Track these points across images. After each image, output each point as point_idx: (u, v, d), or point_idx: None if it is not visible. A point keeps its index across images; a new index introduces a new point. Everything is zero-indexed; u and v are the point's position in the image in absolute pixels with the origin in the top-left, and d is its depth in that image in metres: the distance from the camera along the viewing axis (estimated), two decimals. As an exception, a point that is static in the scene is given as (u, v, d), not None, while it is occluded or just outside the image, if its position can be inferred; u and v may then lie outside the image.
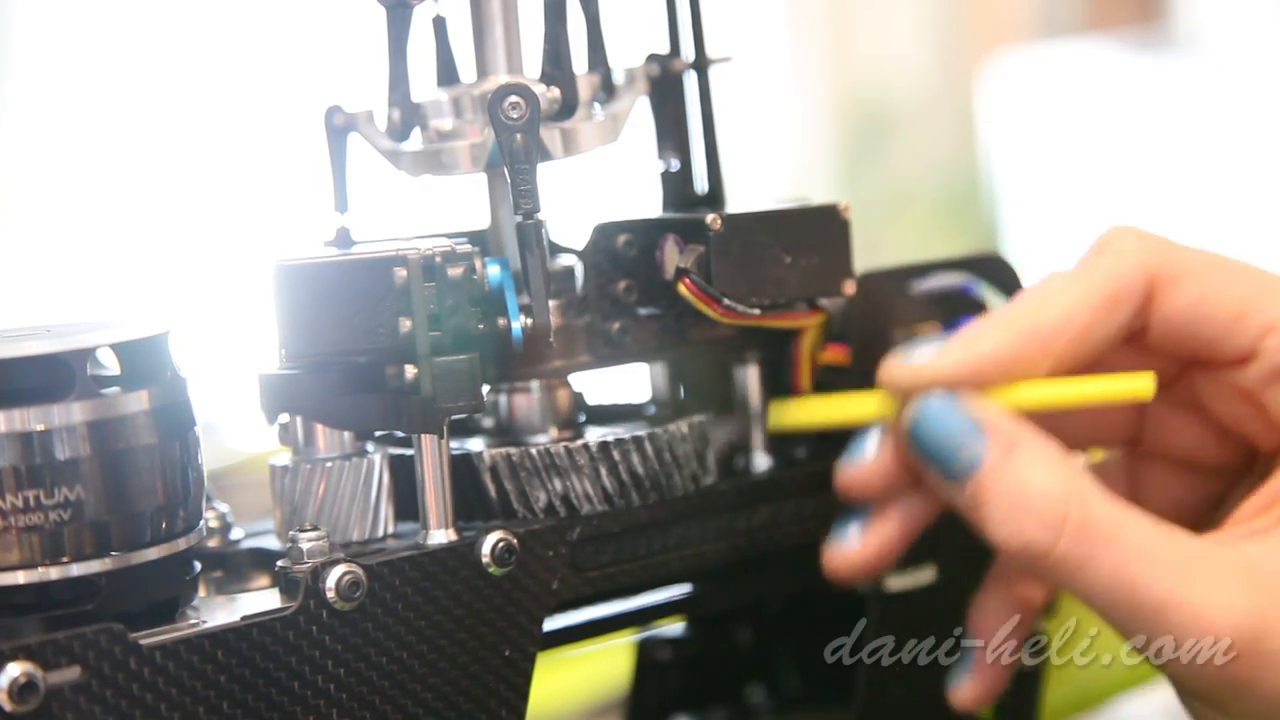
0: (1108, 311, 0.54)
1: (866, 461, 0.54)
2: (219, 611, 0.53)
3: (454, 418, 0.55)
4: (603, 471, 0.58)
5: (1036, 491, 0.50)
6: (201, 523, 0.54)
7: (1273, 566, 0.50)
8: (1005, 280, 0.66)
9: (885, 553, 0.55)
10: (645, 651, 0.73)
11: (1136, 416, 0.58)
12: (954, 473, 0.52)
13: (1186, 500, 0.57)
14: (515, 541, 0.55)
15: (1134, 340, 0.55)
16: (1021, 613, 0.57)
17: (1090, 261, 0.55)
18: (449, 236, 0.57)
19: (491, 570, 0.55)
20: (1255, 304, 0.53)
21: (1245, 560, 0.51)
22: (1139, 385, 0.53)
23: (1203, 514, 0.57)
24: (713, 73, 0.64)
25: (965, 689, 0.57)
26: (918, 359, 0.53)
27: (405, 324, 0.55)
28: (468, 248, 0.56)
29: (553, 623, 0.59)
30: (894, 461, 0.54)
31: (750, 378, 0.63)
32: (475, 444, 0.61)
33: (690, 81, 0.64)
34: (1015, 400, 0.53)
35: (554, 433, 0.61)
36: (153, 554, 0.52)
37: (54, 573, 0.50)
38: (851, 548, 0.55)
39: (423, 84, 0.63)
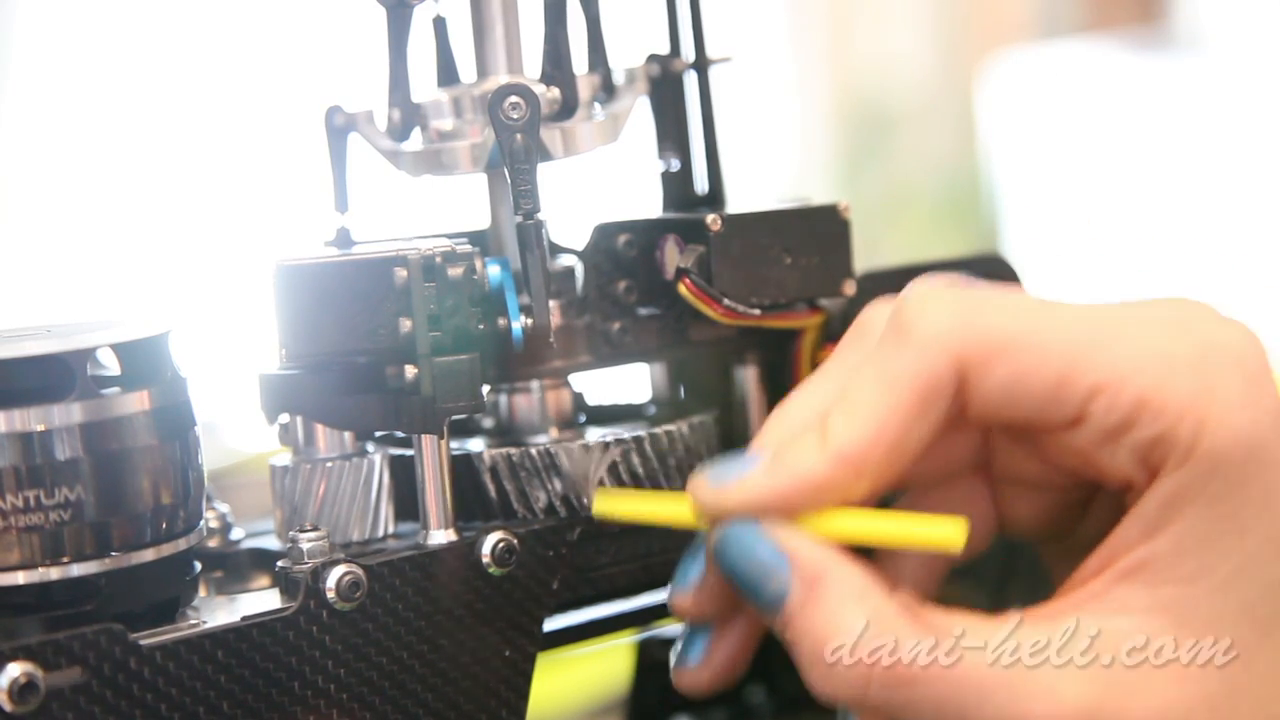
0: (919, 417, 0.49)
1: (691, 588, 0.52)
2: (219, 611, 0.53)
3: (454, 418, 0.55)
4: (603, 472, 0.58)
5: (841, 641, 0.48)
6: (201, 523, 0.54)
7: (1106, 644, 0.48)
8: (1005, 280, 0.66)
9: (728, 670, 0.53)
10: (645, 651, 0.73)
11: (982, 447, 0.54)
12: (763, 603, 0.49)
13: (1052, 509, 0.54)
14: (515, 541, 0.55)
15: (957, 419, 0.51)
16: None
17: (892, 358, 0.49)
18: (449, 236, 0.57)
19: (491, 570, 0.55)
20: (1075, 370, 0.48)
21: (1079, 643, 0.48)
22: (948, 535, 0.49)
23: (1072, 516, 0.54)
24: (713, 73, 0.64)
25: (696, 671, 0.53)
26: (725, 480, 0.50)
27: (405, 324, 0.55)
28: (468, 248, 0.56)
29: (553, 623, 0.59)
30: (719, 584, 0.51)
31: (750, 378, 0.63)
32: (475, 444, 0.61)
33: (690, 81, 0.64)
34: (823, 530, 0.49)
35: (554, 433, 0.61)
36: (153, 554, 0.52)
37: (54, 573, 0.50)
38: (692, 668, 0.53)
39: (423, 84, 0.63)
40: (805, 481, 0.49)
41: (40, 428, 0.50)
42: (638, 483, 0.58)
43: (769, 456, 0.49)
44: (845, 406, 0.49)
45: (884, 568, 0.52)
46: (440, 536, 0.55)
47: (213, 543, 0.60)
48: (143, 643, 0.50)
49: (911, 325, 0.49)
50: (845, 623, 0.48)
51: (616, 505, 0.53)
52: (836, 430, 0.49)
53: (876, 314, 0.52)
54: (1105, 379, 0.48)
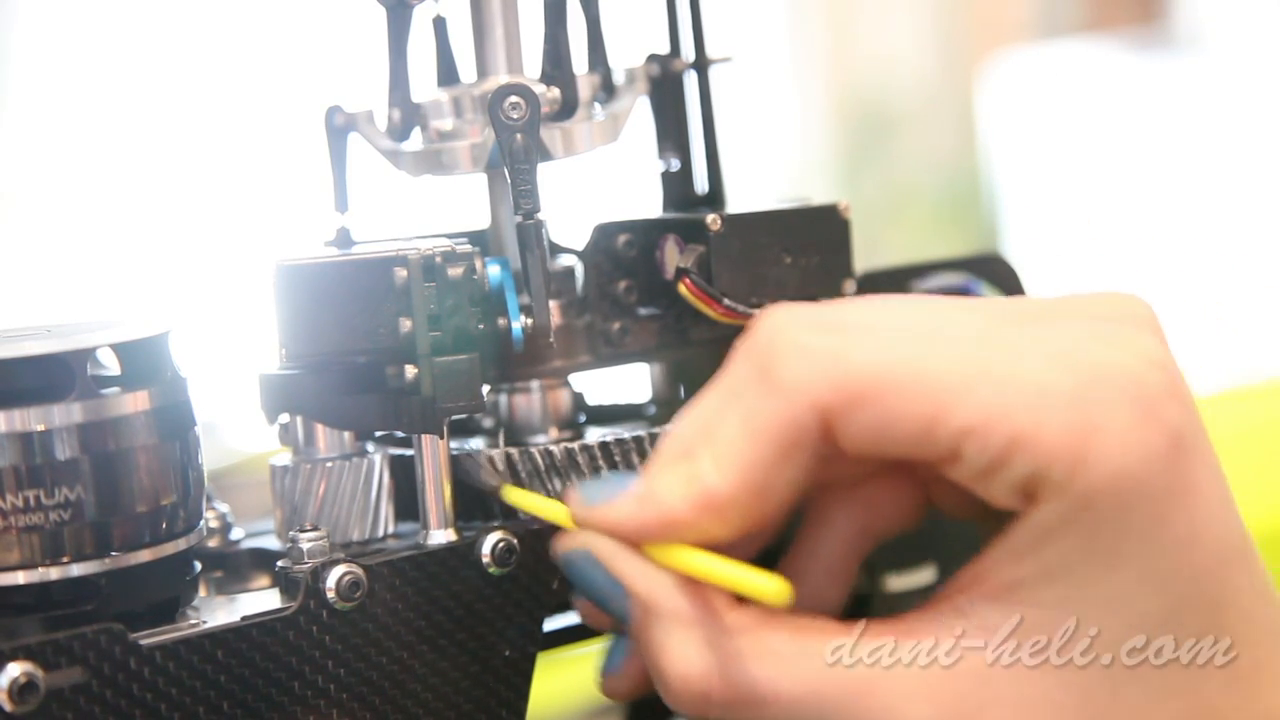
0: (783, 463, 0.48)
1: (619, 674, 0.53)
2: (219, 611, 0.53)
3: (454, 418, 0.55)
4: (603, 471, 0.58)
5: (675, 671, 0.49)
6: (201, 523, 0.54)
7: (953, 667, 0.48)
8: (1005, 280, 0.66)
9: (645, 679, 0.52)
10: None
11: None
12: (615, 620, 0.51)
13: (971, 501, 0.52)
14: (515, 541, 0.55)
15: (829, 456, 0.50)
16: None
17: (756, 406, 0.48)
18: (449, 236, 0.57)
19: (491, 570, 0.55)
20: (944, 411, 0.47)
21: (928, 667, 0.48)
22: (771, 591, 0.48)
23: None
24: (713, 73, 0.64)
25: (616, 680, 0.53)
26: (595, 501, 0.50)
27: (405, 324, 0.55)
28: (468, 248, 0.56)
29: (553, 623, 0.59)
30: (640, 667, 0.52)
31: (750, 378, 0.63)
32: (475, 444, 0.61)
33: (690, 81, 0.64)
34: (669, 561, 0.50)
35: (554, 433, 0.61)
36: (153, 554, 0.52)
37: (54, 573, 0.50)
38: (613, 676, 0.53)
39: (423, 84, 0.63)
40: (667, 520, 0.49)
41: (40, 428, 0.50)
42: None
43: (640, 489, 0.50)
44: (712, 450, 0.49)
45: (805, 543, 0.53)
46: (440, 536, 0.55)
47: (213, 543, 0.60)
48: (143, 643, 0.50)
49: (775, 372, 0.49)
50: (680, 652, 0.49)
51: (515, 498, 0.55)
52: (702, 473, 0.49)
53: (765, 324, 0.51)
54: (975, 420, 0.47)
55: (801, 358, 0.48)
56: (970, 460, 0.47)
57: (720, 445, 0.49)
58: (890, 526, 0.54)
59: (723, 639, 0.49)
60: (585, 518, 0.51)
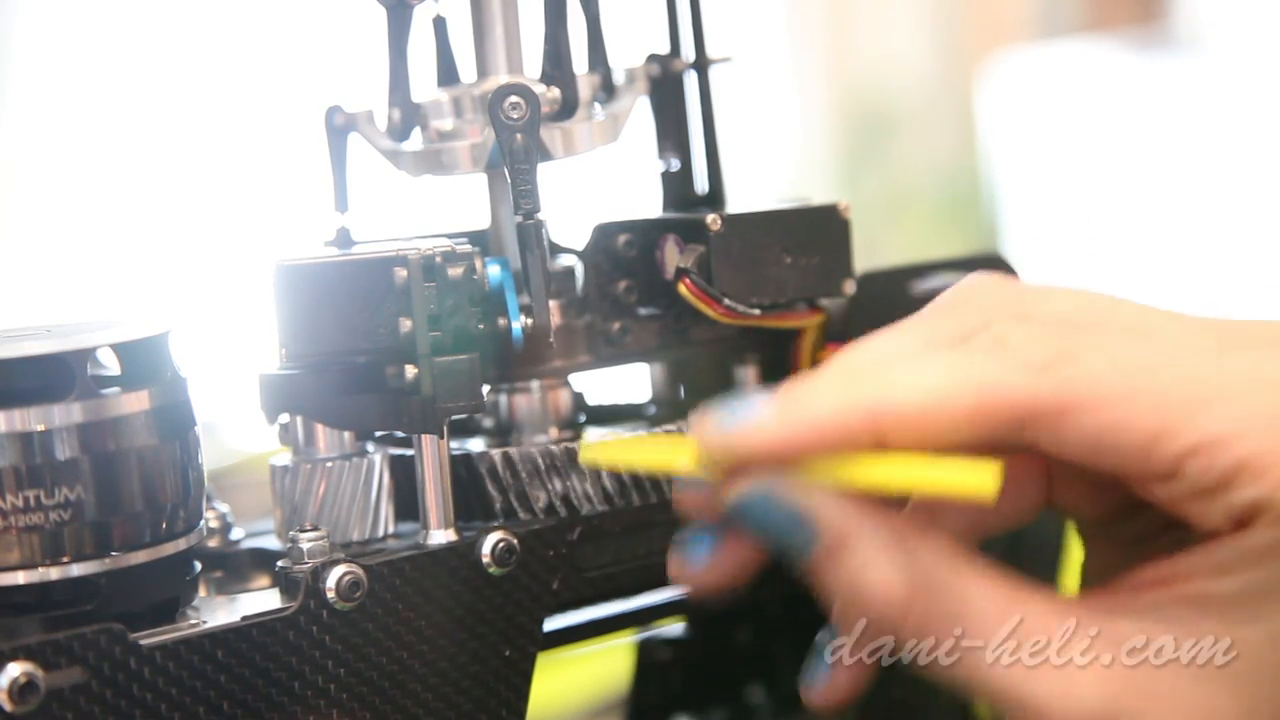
0: (970, 427, 0.46)
1: (704, 567, 0.50)
2: (219, 611, 0.53)
3: (454, 418, 0.55)
4: (603, 471, 0.58)
5: (871, 590, 0.47)
6: (201, 523, 0.54)
7: (1137, 649, 0.47)
8: (1005, 280, 0.66)
9: (734, 574, 0.50)
10: (645, 651, 0.73)
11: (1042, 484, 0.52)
12: (789, 554, 0.48)
13: (1108, 504, 0.52)
14: (515, 541, 0.55)
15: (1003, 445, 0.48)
16: None
17: (979, 363, 0.46)
18: (449, 236, 0.57)
19: (491, 570, 0.55)
20: (1173, 428, 0.46)
21: (1109, 639, 0.47)
22: (981, 481, 0.46)
23: (1127, 512, 0.52)
24: (713, 73, 0.64)
25: (824, 688, 0.52)
26: (735, 427, 0.47)
27: (405, 324, 0.55)
28: (468, 248, 0.56)
29: (553, 623, 0.59)
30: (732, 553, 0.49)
31: (750, 378, 0.63)
32: (475, 444, 0.61)
33: (690, 81, 0.64)
34: (844, 477, 0.47)
35: (554, 433, 0.61)
36: (153, 554, 0.52)
37: (54, 573, 0.50)
38: (700, 569, 0.50)
39: (423, 84, 0.63)
40: (824, 430, 0.46)
41: (40, 428, 0.50)
42: (638, 483, 0.58)
43: (787, 400, 0.47)
44: (902, 370, 0.46)
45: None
46: (440, 536, 0.55)
47: (213, 543, 0.60)
48: (143, 643, 0.50)
49: (1013, 345, 0.47)
50: (878, 573, 0.47)
51: (605, 452, 0.52)
52: (878, 383, 0.46)
53: (984, 289, 0.49)
54: (1204, 440, 0.46)
55: (1042, 345, 0.46)
56: (1190, 480, 0.46)
57: (913, 371, 0.46)
58: (1006, 524, 0.52)
59: (918, 564, 0.47)
60: (728, 449, 0.47)
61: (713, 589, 0.50)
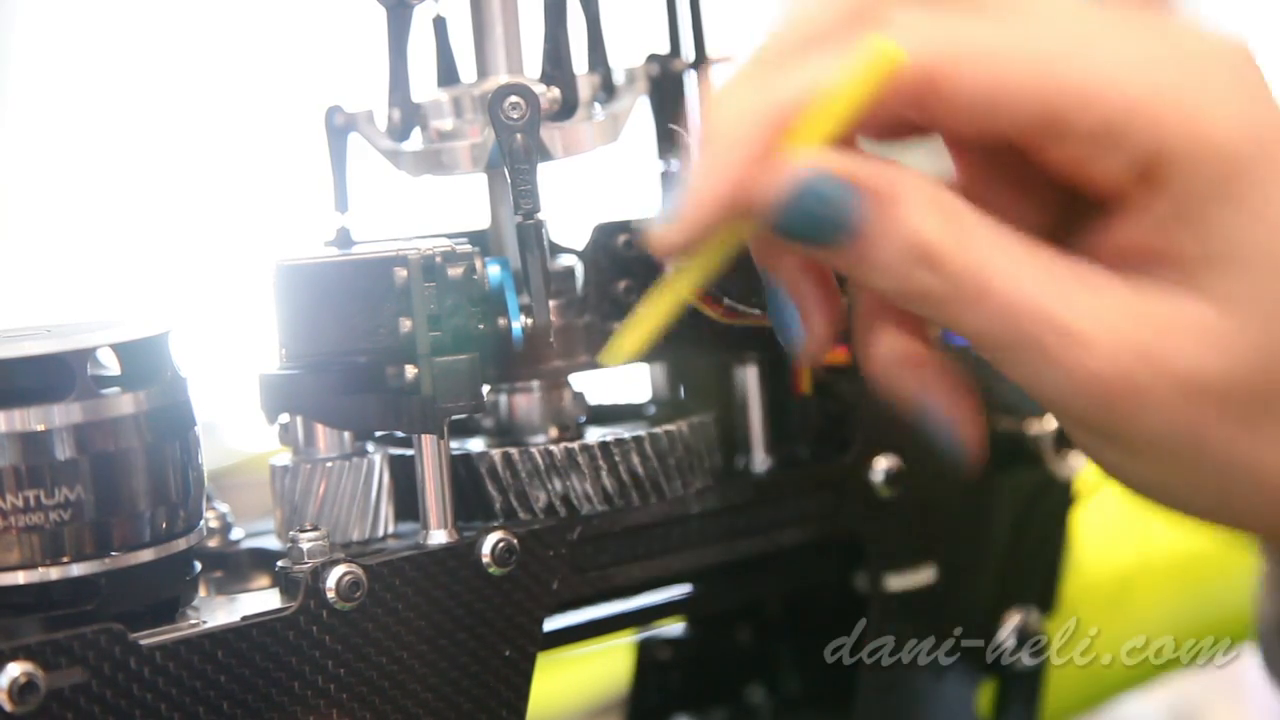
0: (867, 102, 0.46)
1: (798, 328, 0.50)
2: (219, 611, 0.53)
3: (454, 418, 0.55)
4: (603, 471, 0.58)
5: (924, 240, 0.47)
6: (201, 523, 0.54)
7: (1151, 302, 0.47)
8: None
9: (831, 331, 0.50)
10: (645, 651, 0.73)
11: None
12: (833, 241, 0.47)
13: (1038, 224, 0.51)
14: (515, 541, 0.55)
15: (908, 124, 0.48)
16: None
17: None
18: (449, 236, 0.57)
19: (491, 570, 0.55)
20: (1056, 79, 0.46)
21: (1127, 294, 0.47)
22: (884, 54, 0.45)
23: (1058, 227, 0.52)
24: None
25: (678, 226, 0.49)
26: (682, 207, 0.46)
27: (405, 324, 0.55)
28: (468, 248, 0.56)
29: (553, 623, 0.59)
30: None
31: (750, 378, 0.63)
32: (475, 444, 0.61)
33: (690, 81, 0.64)
34: (819, 132, 0.46)
35: (554, 433, 0.61)
36: (153, 554, 0.52)
37: (54, 573, 0.50)
38: (798, 334, 0.50)
39: (423, 84, 0.63)
40: (743, 164, 0.46)
41: (40, 428, 0.50)
42: (637, 483, 0.58)
43: (701, 154, 0.47)
44: (800, 72, 0.47)
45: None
46: (440, 536, 0.55)
47: (213, 543, 0.60)
48: (143, 643, 0.50)
49: (897, 24, 0.47)
50: (930, 224, 0.47)
51: (626, 342, 0.50)
52: (785, 91, 0.47)
53: None
54: (1093, 86, 0.46)
55: (914, 18, 0.47)
56: (1085, 130, 0.46)
57: (808, 68, 0.47)
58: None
59: (962, 213, 0.47)
60: (689, 223, 0.47)
61: (822, 346, 0.51)
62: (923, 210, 0.47)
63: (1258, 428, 0.47)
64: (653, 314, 0.50)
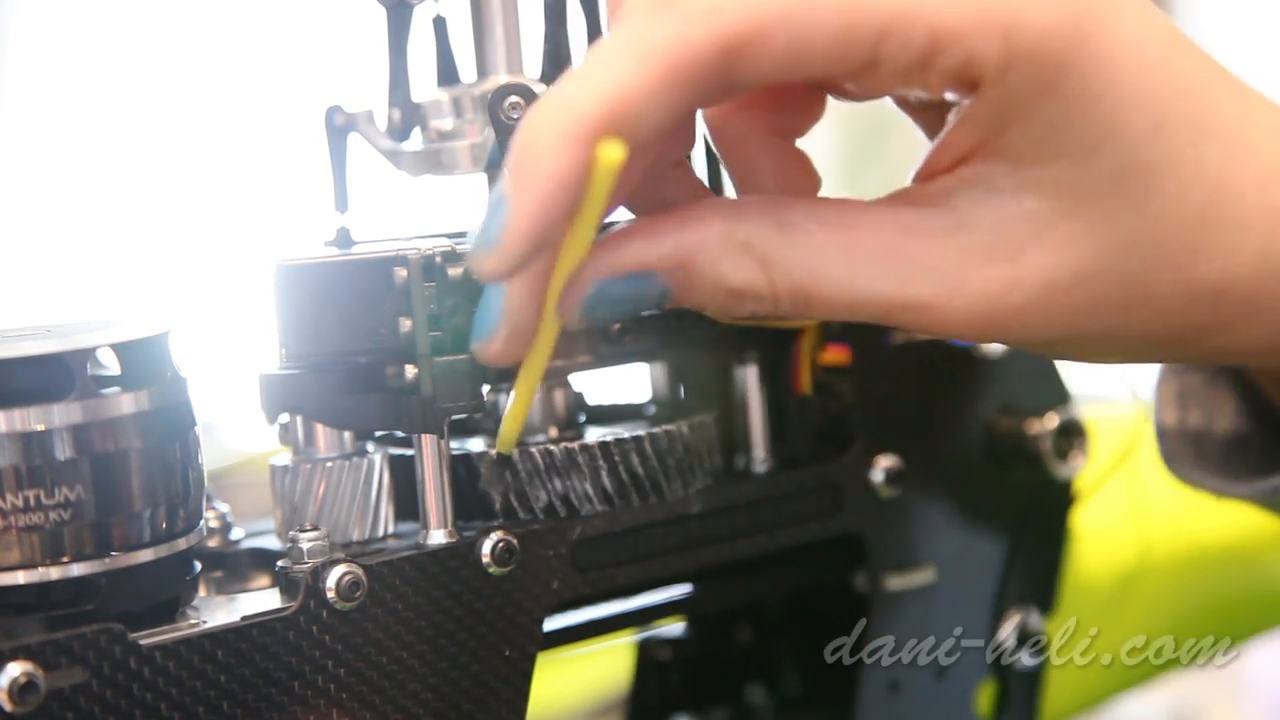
0: (671, 93, 0.45)
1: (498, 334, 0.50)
2: (219, 611, 0.53)
3: (454, 418, 0.55)
4: (603, 471, 0.58)
5: (729, 286, 0.48)
6: (201, 523, 0.54)
7: (984, 255, 0.48)
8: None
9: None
10: (645, 651, 0.73)
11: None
12: (650, 308, 0.50)
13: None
14: (515, 541, 0.55)
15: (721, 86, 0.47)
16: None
17: (651, 28, 0.45)
18: (449, 236, 0.57)
19: (491, 570, 0.55)
20: (857, 18, 0.45)
21: (957, 255, 0.48)
22: (607, 157, 0.44)
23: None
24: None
25: (499, 341, 0.50)
26: (492, 241, 0.46)
27: (405, 324, 0.55)
28: (468, 248, 0.56)
29: (553, 623, 0.59)
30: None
31: (750, 378, 0.63)
32: (475, 444, 0.61)
33: (690, 81, 0.64)
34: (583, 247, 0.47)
35: (554, 433, 0.61)
36: (153, 554, 0.52)
37: (54, 573, 0.50)
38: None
39: (423, 84, 0.63)
40: (556, 182, 0.45)
41: (40, 427, 0.50)
42: (637, 483, 0.58)
43: (513, 175, 0.46)
44: (588, 75, 0.45)
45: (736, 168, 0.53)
46: (440, 536, 0.55)
47: (213, 543, 0.60)
48: (143, 643, 0.50)
49: (681, 3, 0.45)
50: (728, 276, 0.49)
51: (511, 425, 0.52)
52: (571, 98, 0.45)
53: None
54: (890, 19, 0.45)
55: None
56: (893, 64, 0.46)
57: (600, 72, 0.45)
58: (806, 122, 0.53)
59: (769, 246, 0.48)
60: (501, 257, 0.46)
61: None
62: (720, 261, 0.48)
63: (1129, 309, 0.49)
64: (519, 403, 0.53)
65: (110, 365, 0.53)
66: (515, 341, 0.49)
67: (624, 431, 0.59)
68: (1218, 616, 0.79)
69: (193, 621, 0.52)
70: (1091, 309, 0.49)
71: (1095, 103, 0.47)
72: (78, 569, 0.50)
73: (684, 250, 0.48)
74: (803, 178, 0.54)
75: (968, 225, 0.48)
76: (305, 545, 0.54)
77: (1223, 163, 0.49)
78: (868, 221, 0.49)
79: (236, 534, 0.61)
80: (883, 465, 0.63)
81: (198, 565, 0.55)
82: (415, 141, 0.62)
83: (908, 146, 0.54)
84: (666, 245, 0.49)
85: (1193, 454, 0.62)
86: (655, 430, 0.59)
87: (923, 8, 0.46)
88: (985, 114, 0.47)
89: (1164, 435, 0.63)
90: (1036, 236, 0.48)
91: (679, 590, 0.64)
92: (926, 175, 0.50)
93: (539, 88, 0.58)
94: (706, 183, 0.64)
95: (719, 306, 0.49)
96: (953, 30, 0.46)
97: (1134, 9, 0.48)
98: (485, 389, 0.57)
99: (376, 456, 0.58)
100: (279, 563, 0.54)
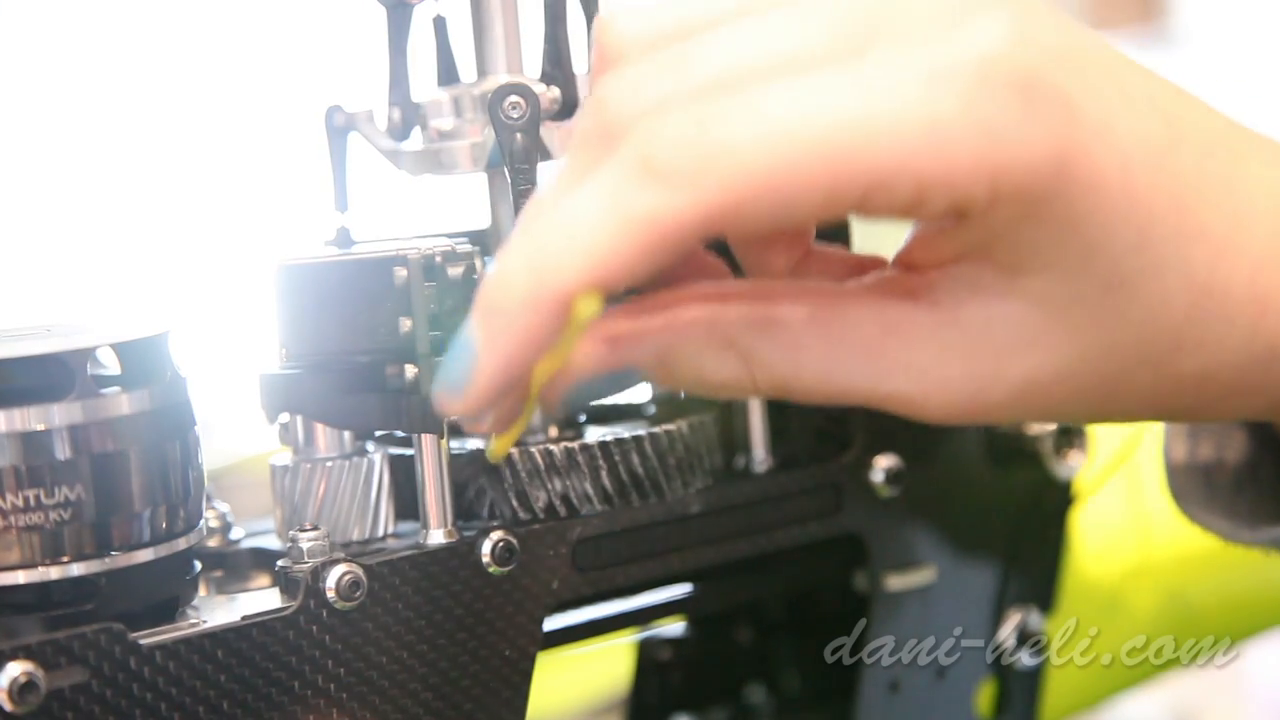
0: (646, 261, 0.45)
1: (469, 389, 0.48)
2: (219, 611, 0.53)
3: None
4: (603, 471, 0.58)
5: (709, 379, 0.49)
6: (201, 523, 0.54)
7: (968, 350, 0.49)
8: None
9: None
10: (645, 651, 0.73)
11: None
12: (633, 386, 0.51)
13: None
14: (515, 541, 0.55)
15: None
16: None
17: (634, 196, 0.44)
18: (449, 236, 0.57)
19: (491, 570, 0.55)
20: (843, 180, 0.44)
21: (937, 350, 0.49)
22: (580, 312, 0.45)
23: None
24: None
25: (460, 402, 0.48)
26: (464, 381, 0.47)
27: (405, 324, 0.55)
28: (468, 248, 0.56)
29: (553, 623, 0.59)
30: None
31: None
32: (476, 444, 0.60)
33: (690, 81, 0.64)
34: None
35: (554, 432, 0.61)
36: (153, 554, 0.52)
37: (54, 572, 0.50)
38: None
39: (423, 84, 0.63)
40: (525, 332, 0.46)
41: (40, 427, 0.50)
42: (637, 483, 0.58)
43: (480, 327, 0.46)
44: (569, 239, 0.45)
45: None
46: (440, 536, 0.55)
47: (213, 542, 0.60)
48: (143, 642, 0.50)
49: (655, 164, 0.44)
50: (715, 374, 0.49)
51: (507, 436, 0.51)
52: (550, 264, 0.45)
53: (624, 107, 0.46)
54: (877, 177, 0.45)
55: (684, 151, 0.44)
56: (883, 208, 0.46)
57: (579, 236, 0.45)
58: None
59: (747, 342, 0.49)
60: (473, 396, 0.47)
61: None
62: (701, 356, 0.49)
63: (1112, 399, 0.50)
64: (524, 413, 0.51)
65: (110, 365, 0.53)
66: (478, 405, 0.48)
67: (624, 431, 0.59)
68: (1218, 616, 0.79)
69: (193, 621, 0.52)
70: (1075, 400, 0.50)
71: (1079, 225, 0.47)
72: (78, 569, 0.50)
73: (666, 349, 0.49)
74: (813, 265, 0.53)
75: (951, 323, 0.49)
76: (305, 545, 0.54)
77: (1210, 263, 0.48)
78: (853, 318, 0.49)
79: (236, 534, 0.61)
80: (883, 465, 0.63)
81: (198, 565, 0.55)
82: (415, 141, 0.62)
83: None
84: (648, 346, 0.48)
85: (1203, 488, 0.62)
86: (655, 430, 0.59)
87: (910, 163, 0.45)
88: (971, 235, 0.48)
89: (1173, 471, 0.62)
90: (1020, 340, 0.48)
91: (679, 590, 0.64)
92: (907, 264, 0.50)
93: (539, 87, 0.58)
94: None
95: (698, 391, 0.50)
96: (941, 182, 0.45)
97: (1126, 115, 0.47)
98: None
99: (376, 456, 0.58)
100: (279, 562, 0.54)
